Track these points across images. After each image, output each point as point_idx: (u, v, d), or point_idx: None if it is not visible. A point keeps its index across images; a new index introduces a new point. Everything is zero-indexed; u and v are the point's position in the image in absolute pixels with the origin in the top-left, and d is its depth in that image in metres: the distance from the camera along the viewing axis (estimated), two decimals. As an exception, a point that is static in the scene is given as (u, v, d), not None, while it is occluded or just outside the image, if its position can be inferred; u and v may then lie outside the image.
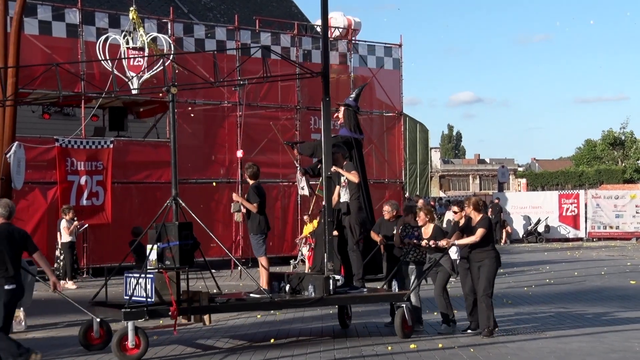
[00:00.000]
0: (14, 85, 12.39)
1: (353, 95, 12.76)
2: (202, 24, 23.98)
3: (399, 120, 27.31)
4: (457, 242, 11.09)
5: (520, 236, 34.27)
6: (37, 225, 19.85)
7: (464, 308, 11.62)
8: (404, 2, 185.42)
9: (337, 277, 11.03)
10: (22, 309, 12.21)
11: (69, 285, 18.20)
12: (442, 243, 11.12)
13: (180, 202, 10.65)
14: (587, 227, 34.08)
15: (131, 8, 18.49)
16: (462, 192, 72.69)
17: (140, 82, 17.96)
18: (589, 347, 10.19)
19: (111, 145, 20.99)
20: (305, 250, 20.40)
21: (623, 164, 69.08)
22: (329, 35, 26.24)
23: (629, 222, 33.95)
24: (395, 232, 11.79)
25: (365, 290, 11.47)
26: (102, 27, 21.11)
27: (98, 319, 10.06)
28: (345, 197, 11.70)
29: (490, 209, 30.41)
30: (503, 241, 33.12)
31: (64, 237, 18.39)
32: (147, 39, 18.53)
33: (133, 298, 9.91)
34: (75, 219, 18.61)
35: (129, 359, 9.43)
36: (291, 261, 21.08)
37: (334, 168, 11.34)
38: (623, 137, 72.97)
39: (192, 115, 22.54)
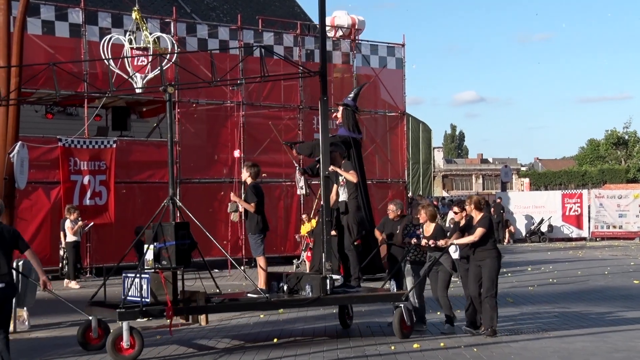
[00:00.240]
0: (17, 84, 12.39)
1: (351, 95, 12.78)
2: (205, 24, 23.99)
3: (401, 119, 27.29)
4: (455, 241, 11.07)
5: (524, 236, 34.24)
6: (41, 225, 19.89)
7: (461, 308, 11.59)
8: (405, 1, 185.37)
9: (336, 276, 11.01)
10: (25, 308, 12.22)
11: (73, 284, 18.23)
12: (441, 242, 11.12)
13: (177, 201, 10.64)
14: (590, 227, 34.04)
15: (134, 8, 18.49)
16: (465, 192, 72.68)
17: (144, 82, 17.97)
18: (592, 347, 10.18)
19: (114, 145, 21.01)
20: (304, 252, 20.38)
21: (626, 164, 69.06)
22: (333, 35, 26.33)
23: (632, 221, 33.90)
24: (398, 231, 11.80)
25: (362, 289, 11.42)
26: (105, 27, 21.13)
27: (91, 318, 10.04)
28: (343, 196, 11.68)
29: (492, 209, 30.43)
30: (506, 241, 33.10)
31: (68, 236, 18.41)
32: (151, 38, 18.53)
33: (129, 298, 9.91)
34: (80, 219, 18.63)
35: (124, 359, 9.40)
36: (294, 261, 21.07)
37: (331, 167, 11.33)
38: (626, 137, 72.96)
39: (195, 115, 22.56)
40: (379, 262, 12.67)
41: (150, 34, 18.86)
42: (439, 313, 12.38)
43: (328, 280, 10.64)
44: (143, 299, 9.71)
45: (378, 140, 26.33)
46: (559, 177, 68.15)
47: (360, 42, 26.58)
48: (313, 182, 13.57)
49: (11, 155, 12.17)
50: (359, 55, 26.17)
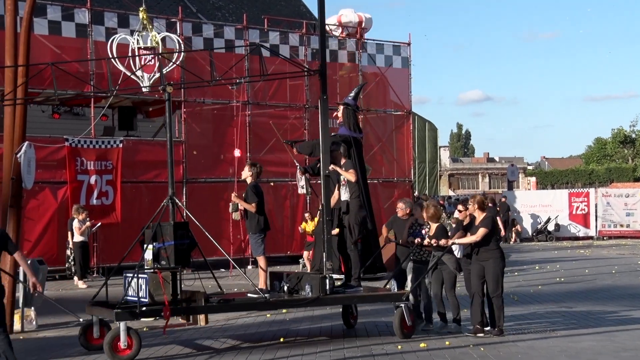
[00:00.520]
0: (24, 85, 12.39)
1: (352, 94, 12.74)
2: (211, 24, 24.00)
3: (407, 119, 27.26)
4: (457, 240, 11.02)
5: (530, 235, 34.17)
6: (48, 225, 19.93)
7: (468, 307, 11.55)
8: (411, 1, 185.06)
9: (337, 276, 10.98)
10: (32, 308, 12.25)
11: (80, 284, 18.26)
12: (442, 242, 11.09)
13: (177, 201, 10.65)
14: (598, 226, 33.94)
15: (141, 8, 18.49)
16: (471, 191, 72.52)
17: (151, 81, 17.98)
18: (599, 346, 10.15)
19: (121, 145, 21.04)
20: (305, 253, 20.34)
21: (633, 162, 68.89)
22: (340, 34, 26.35)
23: (640, 220, 33.84)
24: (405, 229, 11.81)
25: (361, 289, 11.39)
26: (111, 26, 21.16)
27: (81, 319, 10.02)
28: (345, 195, 11.65)
29: (498, 208, 30.35)
30: (513, 240, 33.04)
31: (75, 236, 18.44)
32: (159, 38, 18.53)
33: (128, 298, 9.90)
34: (88, 219, 18.65)
35: None
36: (300, 260, 21.07)
37: (331, 167, 11.30)
38: (633, 135, 72.76)
39: (202, 115, 22.57)
40: (380, 261, 12.64)
41: (159, 33, 18.86)
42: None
43: (328, 280, 10.59)
44: (140, 299, 9.70)
45: (384, 140, 26.31)
46: (566, 176, 68.04)
47: (366, 41, 26.57)
48: (317, 182, 13.53)
49: (18, 155, 12.17)
50: (365, 54, 26.15)
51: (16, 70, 12.23)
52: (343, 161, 11.62)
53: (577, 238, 33.68)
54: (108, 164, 20.77)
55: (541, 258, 24.66)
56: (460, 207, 11.78)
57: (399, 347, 10.24)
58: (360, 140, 12.51)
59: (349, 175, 11.46)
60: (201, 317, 12.08)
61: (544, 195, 37.62)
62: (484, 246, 10.82)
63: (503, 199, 33.85)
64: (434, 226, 11.47)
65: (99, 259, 20.53)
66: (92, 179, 20.44)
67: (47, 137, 20.18)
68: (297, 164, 12.27)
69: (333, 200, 11.58)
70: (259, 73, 21.39)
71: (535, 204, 34.81)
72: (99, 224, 19.64)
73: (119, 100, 22.99)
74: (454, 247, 11.07)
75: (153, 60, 17.98)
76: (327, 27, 27.46)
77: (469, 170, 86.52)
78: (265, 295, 10.62)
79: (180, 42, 20.10)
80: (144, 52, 17.78)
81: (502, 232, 30.18)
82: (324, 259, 10.79)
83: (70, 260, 18.84)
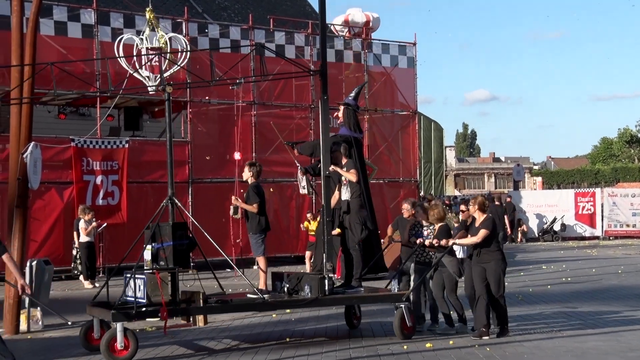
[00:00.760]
0: (30, 85, 12.42)
1: (352, 94, 12.72)
2: (216, 24, 24.02)
3: (413, 118, 27.25)
4: (457, 241, 10.97)
5: (536, 235, 34.12)
6: (54, 225, 19.98)
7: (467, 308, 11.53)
8: (416, 0, 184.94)
9: (333, 276, 10.95)
10: (38, 308, 12.27)
11: (86, 285, 18.29)
12: (443, 242, 11.05)
13: (177, 202, 10.65)
14: (604, 226, 33.88)
15: (147, 9, 18.53)
16: (477, 191, 72.45)
17: (157, 81, 18.00)
18: (606, 346, 10.13)
19: (126, 145, 21.07)
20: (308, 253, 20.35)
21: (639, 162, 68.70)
22: (347, 33, 26.36)
23: (646, 220, 33.75)
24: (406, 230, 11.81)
25: (362, 290, 11.35)
26: (117, 27, 21.19)
27: (70, 322, 10.02)
28: (346, 195, 11.63)
29: (505, 207, 30.30)
30: (519, 239, 33.00)
31: (81, 237, 18.47)
32: (167, 37, 18.56)
33: (127, 299, 9.90)
34: (94, 219, 18.68)
35: None
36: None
37: (332, 167, 11.28)
38: (640, 135, 72.60)
39: (207, 115, 22.59)
40: (382, 261, 12.62)
41: (165, 34, 18.89)
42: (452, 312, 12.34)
43: (326, 281, 10.55)
44: (137, 300, 9.71)
45: (390, 140, 26.30)
46: (572, 176, 67.83)
47: (371, 41, 26.57)
48: (316, 182, 13.53)
49: (24, 156, 12.20)
50: (371, 54, 26.16)
51: (22, 69, 12.26)
52: (344, 161, 11.61)
53: (583, 238, 33.62)
54: (114, 164, 20.81)
55: (547, 258, 24.62)
56: (462, 207, 11.76)
57: (405, 347, 10.23)
58: (360, 140, 12.49)
59: (350, 176, 11.45)
60: (199, 317, 12.10)
61: (550, 195, 37.57)
62: (485, 247, 10.78)
63: (509, 199, 33.81)
64: (437, 226, 11.44)
65: (105, 259, 20.56)
66: (98, 179, 20.48)
67: (53, 137, 20.24)
68: (297, 164, 12.25)
69: (333, 200, 11.57)
70: (270, 73, 21.57)
71: (541, 204, 34.77)
72: (105, 224, 19.65)
73: (125, 101, 23.04)
74: (455, 248, 11.04)
75: (158, 60, 18.01)
76: (332, 27, 27.57)
77: (474, 170, 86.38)
78: (264, 296, 10.61)
79: (186, 42, 20.15)
80: (151, 52, 17.81)
81: (509, 231, 30.19)
82: (324, 260, 10.77)
83: (76, 260, 18.87)
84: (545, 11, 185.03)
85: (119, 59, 18.29)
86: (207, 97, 22.56)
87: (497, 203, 26.01)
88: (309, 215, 20.21)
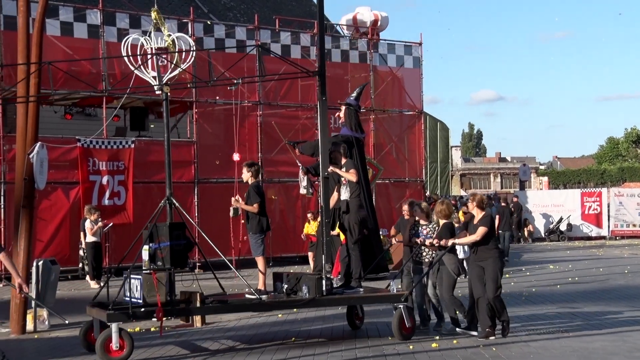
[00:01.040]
0: (37, 85, 12.45)
1: (354, 94, 12.72)
2: (222, 24, 24.04)
3: (419, 118, 27.23)
4: (457, 241, 10.94)
5: (543, 234, 34.07)
6: (60, 225, 20.02)
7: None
8: (423, 1, 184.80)
9: (329, 276, 10.94)
10: (45, 308, 12.28)
11: (93, 285, 18.32)
12: (442, 242, 11.02)
13: (174, 202, 10.66)
14: (610, 226, 33.82)
15: (153, 8, 18.55)
16: (483, 191, 72.33)
17: (164, 82, 18.00)
18: (612, 346, 10.11)
19: (132, 145, 21.10)
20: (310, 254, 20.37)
21: (646, 162, 68.53)
22: (355, 33, 26.35)
23: (652, 220, 33.66)
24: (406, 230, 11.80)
25: (361, 290, 11.33)
26: (123, 27, 21.22)
27: (67, 321, 10.04)
28: (345, 195, 11.62)
29: (511, 208, 30.25)
30: (526, 238, 32.94)
31: (88, 237, 18.50)
32: (174, 36, 18.57)
33: (125, 299, 9.90)
34: (100, 219, 18.71)
35: None
36: (312, 260, 21.08)
37: (331, 168, 11.27)
38: (646, 135, 72.41)
39: (214, 115, 22.59)
40: (383, 260, 12.61)
41: (169, 35, 18.89)
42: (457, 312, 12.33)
43: (324, 281, 10.52)
44: (133, 300, 9.71)
45: (396, 140, 26.29)
46: (578, 176, 67.71)
47: (377, 41, 26.56)
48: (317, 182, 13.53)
49: (31, 156, 12.23)
50: (377, 54, 26.15)
51: (29, 68, 12.29)
52: (343, 161, 11.61)
53: (589, 238, 33.56)
54: (120, 164, 20.84)
55: (553, 258, 24.58)
56: (464, 208, 11.75)
57: (411, 347, 10.23)
58: (362, 140, 12.48)
59: (349, 176, 11.44)
60: (197, 318, 12.11)
61: (556, 195, 37.51)
62: (483, 245, 10.74)
63: (515, 199, 33.76)
64: (441, 223, 11.42)
65: (111, 259, 20.59)
66: (104, 180, 20.51)
67: (59, 137, 20.28)
68: (299, 164, 12.26)
69: (332, 200, 11.56)
70: (269, 73, 21.60)
71: (548, 204, 34.71)
72: (111, 224, 19.71)
73: (131, 101, 23.06)
74: (457, 247, 11.01)
75: (163, 60, 18.01)
76: (337, 27, 27.57)
77: (480, 170, 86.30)
78: (261, 296, 10.60)
79: (192, 42, 20.15)
80: (157, 52, 17.81)
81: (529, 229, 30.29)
82: (323, 261, 10.75)
83: (82, 260, 18.90)
84: (553, 11, 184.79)
85: (124, 57, 18.30)
86: (217, 97, 22.55)
87: (503, 204, 25.97)
88: (309, 215, 20.22)
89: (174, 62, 11.67)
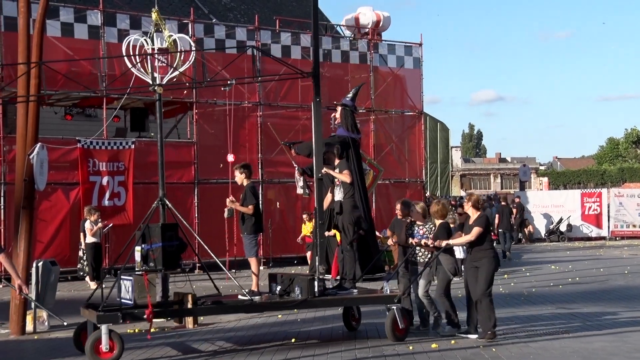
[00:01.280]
0: (37, 86, 12.46)
1: (350, 95, 12.73)
2: (222, 25, 24.04)
3: (419, 119, 27.24)
4: (452, 242, 10.89)
5: (542, 235, 34.06)
6: (60, 226, 20.02)
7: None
8: (423, 1, 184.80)
9: (328, 276, 10.92)
10: (44, 309, 12.28)
11: (92, 285, 18.31)
12: (437, 243, 11.00)
13: (167, 203, 10.65)
14: (610, 226, 33.80)
15: (153, 9, 18.55)
16: (483, 191, 72.35)
17: (164, 82, 18.01)
18: (612, 347, 10.12)
19: (132, 146, 21.11)
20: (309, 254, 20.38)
21: (646, 162, 68.54)
22: (357, 33, 26.34)
23: (653, 220, 33.64)
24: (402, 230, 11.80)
25: (355, 291, 11.29)
26: (124, 28, 21.22)
27: (65, 323, 10.03)
28: (339, 196, 11.61)
29: (515, 209, 30.25)
30: (526, 239, 32.93)
31: (88, 238, 18.50)
32: (174, 37, 18.57)
33: (119, 300, 9.89)
34: (100, 220, 18.71)
35: None
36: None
37: (324, 170, 11.25)
38: (646, 135, 72.42)
39: (215, 117, 22.60)
40: (379, 261, 12.60)
41: (170, 36, 18.89)
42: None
43: (316, 282, 10.50)
44: (123, 301, 9.68)
45: (396, 140, 26.29)
46: (578, 176, 67.74)
47: (378, 41, 26.56)
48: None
49: (31, 157, 12.24)
50: (377, 54, 26.15)
51: (29, 68, 12.30)
52: (337, 162, 11.60)
53: (589, 238, 33.55)
54: (120, 165, 20.84)
55: (553, 258, 24.58)
56: (460, 209, 11.74)
57: (411, 347, 10.23)
58: (358, 141, 12.48)
59: (342, 177, 11.44)
60: (189, 319, 12.11)
61: (556, 195, 37.49)
62: (478, 246, 10.72)
63: (517, 199, 33.73)
64: (438, 223, 11.41)
65: (111, 260, 20.59)
66: (104, 180, 20.52)
67: (59, 138, 20.29)
68: (295, 165, 12.26)
69: (327, 201, 11.54)
70: (269, 74, 21.61)
71: (548, 204, 34.70)
72: (111, 225, 19.70)
73: (131, 102, 23.07)
74: (455, 248, 10.99)
75: (163, 61, 18.01)
76: (338, 27, 27.57)
77: (480, 170, 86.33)
78: (253, 297, 10.59)
79: (192, 43, 20.16)
80: (157, 53, 17.81)
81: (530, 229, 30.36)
82: (317, 262, 10.74)
83: (82, 261, 18.91)
84: (553, 11, 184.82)
85: (124, 57, 18.31)
86: (213, 99, 22.56)
87: (503, 203, 26.00)
88: (304, 216, 20.24)
89: (175, 64, 11.63)
